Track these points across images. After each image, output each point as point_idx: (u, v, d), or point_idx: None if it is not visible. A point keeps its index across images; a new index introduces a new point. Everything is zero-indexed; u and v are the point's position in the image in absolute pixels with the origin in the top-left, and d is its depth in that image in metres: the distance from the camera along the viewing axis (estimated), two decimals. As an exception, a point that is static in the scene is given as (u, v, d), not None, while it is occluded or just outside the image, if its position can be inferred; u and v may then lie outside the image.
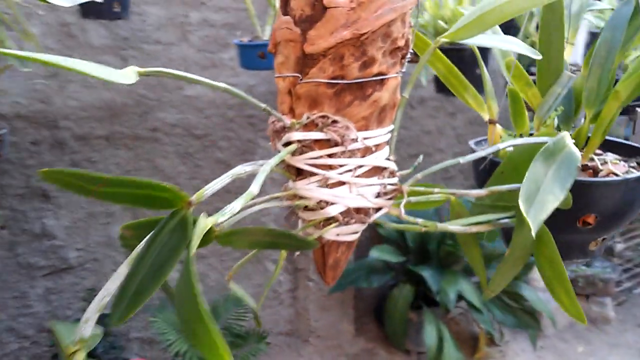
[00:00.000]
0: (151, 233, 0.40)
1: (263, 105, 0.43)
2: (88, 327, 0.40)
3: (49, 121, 1.84)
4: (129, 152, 2.01)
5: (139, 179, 0.40)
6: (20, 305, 1.91)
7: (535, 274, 2.49)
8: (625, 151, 0.73)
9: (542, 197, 0.42)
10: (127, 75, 0.37)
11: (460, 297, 2.15)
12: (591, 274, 2.43)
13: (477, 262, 0.52)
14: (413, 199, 0.48)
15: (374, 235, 2.53)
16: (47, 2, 0.48)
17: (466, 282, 2.17)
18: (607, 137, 0.75)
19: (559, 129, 0.70)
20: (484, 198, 0.51)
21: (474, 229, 0.46)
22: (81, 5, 1.26)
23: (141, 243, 0.41)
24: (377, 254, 2.21)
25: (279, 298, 2.33)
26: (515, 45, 0.48)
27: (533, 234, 0.40)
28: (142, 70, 0.37)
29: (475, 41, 0.46)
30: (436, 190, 0.47)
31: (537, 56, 0.49)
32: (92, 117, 1.91)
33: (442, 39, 0.45)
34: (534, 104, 0.69)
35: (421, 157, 0.48)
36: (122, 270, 0.41)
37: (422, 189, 0.47)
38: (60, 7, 1.78)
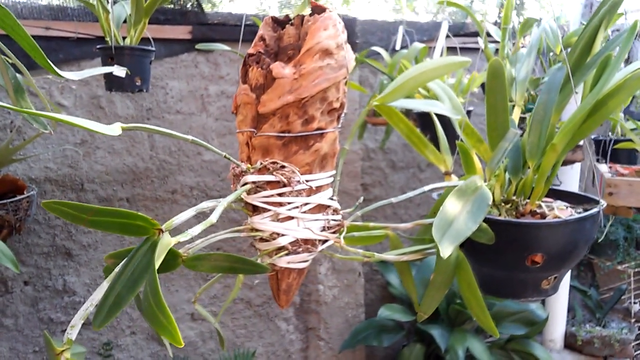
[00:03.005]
0: (128, 255, 0.50)
1: (224, 154, 0.53)
2: (74, 332, 0.49)
3: (76, 184, 1.99)
4: (149, 212, 2.14)
5: (120, 209, 0.50)
6: (40, 359, 1.99)
7: (549, 335, 2.46)
8: (575, 200, 0.80)
9: (455, 228, 0.51)
10: (113, 129, 0.48)
11: (471, 358, 2.14)
12: (607, 335, 2.39)
13: (410, 287, 0.60)
14: (356, 233, 0.57)
15: (385, 294, 2.56)
16: (60, 76, 0.61)
17: (477, 341, 2.17)
18: (558, 188, 0.83)
19: (509, 180, 0.79)
20: (422, 234, 0.59)
21: (405, 257, 0.54)
22: (105, 79, 1.42)
23: (120, 264, 0.50)
24: (387, 312, 2.24)
25: (291, 358, 2.36)
26: (438, 108, 0.58)
27: (444, 257, 0.48)
28: (124, 125, 0.48)
29: (403, 104, 0.56)
30: (372, 225, 0.55)
31: (456, 116, 0.59)
32: (116, 181, 2.06)
33: (374, 102, 0.55)
34: (485, 157, 0.78)
35: (362, 198, 0.57)
36: (104, 285, 0.50)
37: (361, 224, 0.56)
38: (91, 82, 1.98)
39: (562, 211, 0.75)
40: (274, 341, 2.32)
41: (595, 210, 0.71)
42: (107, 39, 1.40)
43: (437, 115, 0.91)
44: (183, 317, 2.18)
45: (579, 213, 0.74)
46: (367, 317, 2.42)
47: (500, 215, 0.74)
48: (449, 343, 2.11)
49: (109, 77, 1.39)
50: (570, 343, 2.49)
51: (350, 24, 2.22)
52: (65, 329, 2.01)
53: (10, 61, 0.80)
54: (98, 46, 1.42)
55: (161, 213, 2.14)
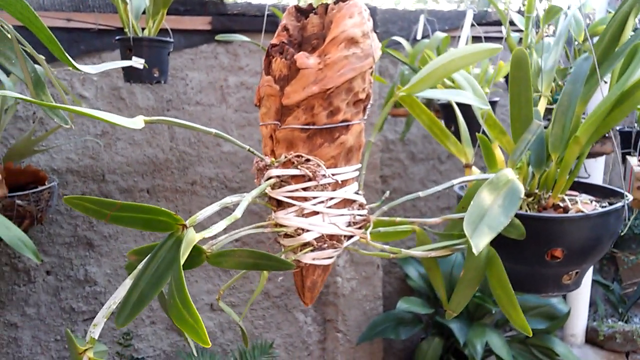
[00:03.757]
0: (152, 252, 0.49)
1: (247, 147, 0.52)
2: (97, 331, 0.48)
3: (97, 175, 2.01)
4: (169, 203, 2.15)
5: (144, 204, 0.49)
6: (62, 348, 2.02)
7: (570, 329, 2.43)
8: (602, 193, 0.78)
9: (486, 222, 0.49)
10: (136, 122, 0.47)
11: (491, 352, 2.12)
12: (629, 330, 2.34)
13: (438, 283, 0.58)
14: (382, 229, 0.55)
15: (403, 287, 2.55)
16: (78, 69, 0.60)
17: (496, 335, 2.14)
18: (585, 181, 0.80)
19: (532, 172, 0.76)
20: (450, 229, 0.57)
21: (433, 253, 0.53)
22: (124, 70, 1.42)
23: (143, 260, 0.49)
24: (405, 305, 2.22)
25: (308, 349, 2.36)
26: (463, 97, 0.56)
27: (475, 253, 0.47)
28: (147, 118, 0.47)
29: (428, 94, 0.54)
30: (398, 220, 0.54)
31: (485, 106, 0.57)
32: (136, 172, 2.07)
33: (400, 92, 0.53)
34: (508, 149, 0.76)
35: (387, 192, 0.56)
36: (127, 282, 0.49)
37: (387, 219, 0.54)
38: (112, 73, 1.98)
39: (585, 205, 0.72)
40: (292, 332, 2.33)
41: (619, 204, 0.68)
42: (126, 30, 1.39)
43: (461, 107, 0.89)
44: (202, 307, 2.19)
45: (603, 207, 0.71)
46: (385, 309, 2.41)
47: (521, 208, 0.72)
48: (468, 337, 2.09)
49: (127, 68, 1.39)
50: (591, 338, 2.45)
51: (370, 13, 2.19)
52: (86, 319, 2.04)
53: (28, 53, 0.80)
54: (116, 37, 1.42)
55: (181, 204, 2.15)
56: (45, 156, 1.93)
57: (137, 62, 1.31)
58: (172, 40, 1.50)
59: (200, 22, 2.02)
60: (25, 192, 1.52)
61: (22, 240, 0.96)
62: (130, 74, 1.41)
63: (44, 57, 1.03)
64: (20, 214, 1.54)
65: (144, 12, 1.48)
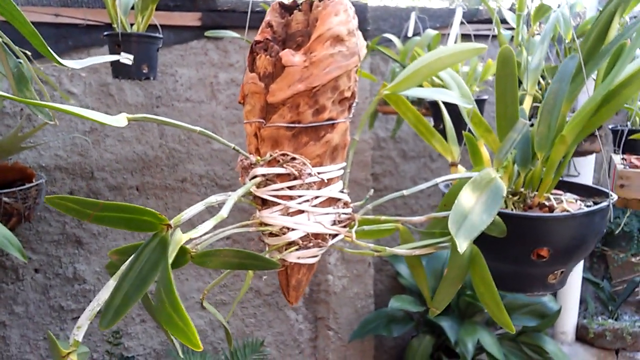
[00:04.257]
0: (135, 252, 0.48)
1: (232, 145, 0.51)
2: (80, 333, 0.47)
3: (86, 172, 1.99)
4: (159, 201, 2.13)
5: (127, 204, 0.48)
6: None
7: (560, 327, 2.44)
8: (587, 192, 0.78)
9: (470, 221, 0.49)
10: (119, 120, 0.46)
11: (482, 350, 2.13)
12: (619, 328, 2.36)
13: (422, 282, 0.58)
14: (366, 227, 0.55)
15: (394, 284, 2.55)
16: (62, 65, 0.59)
17: (487, 333, 2.15)
18: (569, 180, 0.80)
19: (518, 171, 0.76)
20: (433, 227, 0.57)
21: (417, 251, 0.52)
22: (112, 66, 1.41)
23: (127, 261, 0.49)
24: (396, 303, 2.22)
25: (300, 347, 2.36)
26: (447, 96, 0.55)
27: (460, 251, 0.46)
28: (130, 116, 0.46)
29: (412, 93, 0.54)
30: (383, 218, 0.53)
31: (468, 105, 0.57)
32: (126, 169, 2.05)
33: (384, 91, 0.53)
34: (493, 148, 0.76)
35: (372, 190, 0.55)
36: (110, 284, 0.48)
37: (372, 217, 0.54)
38: (101, 69, 1.97)
39: (571, 204, 0.72)
40: (283, 330, 2.32)
41: (604, 204, 0.68)
42: (114, 25, 1.38)
43: (448, 105, 0.89)
44: (193, 305, 2.18)
45: (588, 206, 0.71)
46: (376, 307, 2.41)
47: (507, 207, 0.72)
48: (459, 335, 2.09)
49: (115, 64, 1.38)
50: (582, 335, 2.47)
51: (361, 10, 2.18)
52: (75, 317, 2.02)
53: (13, 48, 0.78)
54: (105, 33, 1.40)
55: (171, 202, 2.14)
56: (33, 153, 1.91)
57: (126, 58, 1.29)
58: (161, 36, 1.49)
59: (190, 18, 2.00)
60: (12, 189, 1.51)
61: (7, 238, 0.95)
62: (118, 70, 1.39)
63: (30, 53, 1.02)
64: (7, 211, 1.53)
65: (132, 8, 1.46)
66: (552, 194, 0.70)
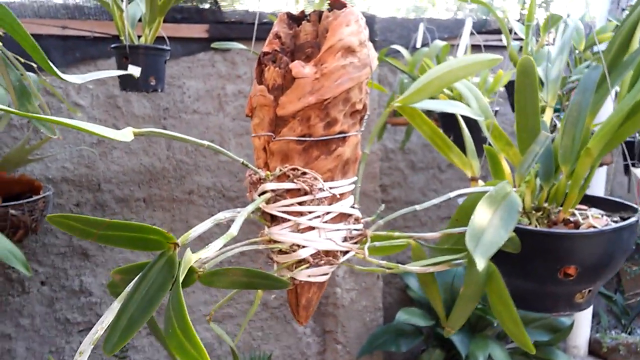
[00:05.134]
0: (141, 272, 0.46)
1: (241, 160, 0.49)
2: (83, 359, 0.45)
3: (92, 184, 1.98)
4: (166, 213, 2.12)
5: (133, 222, 0.46)
6: (57, 359, 1.99)
7: (572, 341, 2.39)
8: (611, 207, 0.75)
9: (487, 237, 0.47)
10: (125, 134, 0.44)
11: (492, 364, 2.09)
12: (633, 342, 2.31)
13: (436, 300, 0.56)
14: (377, 243, 0.53)
15: (403, 297, 2.51)
16: (62, 79, 0.58)
17: (498, 347, 2.11)
18: (593, 194, 0.78)
19: (541, 186, 0.74)
20: (444, 242, 0.55)
21: (431, 269, 0.50)
22: (119, 79, 1.40)
23: (132, 282, 0.47)
24: (405, 316, 2.19)
25: (307, 361, 2.33)
26: (458, 109, 0.53)
27: (480, 269, 0.44)
28: (136, 130, 0.45)
29: (425, 105, 0.52)
30: (396, 234, 0.51)
31: (480, 117, 0.55)
32: (132, 181, 2.05)
33: (395, 103, 0.51)
34: (514, 162, 0.74)
35: (383, 205, 0.53)
36: (115, 306, 0.46)
37: (384, 233, 0.52)
38: (108, 82, 1.97)
39: (597, 220, 0.70)
40: (291, 344, 2.29)
41: (633, 219, 0.66)
42: (122, 38, 1.38)
43: (462, 116, 0.87)
44: (200, 318, 2.16)
45: (616, 222, 0.69)
46: (385, 321, 2.38)
47: (530, 224, 0.69)
48: (470, 349, 2.05)
49: (123, 76, 1.37)
50: (594, 349, 2.42)
51: (369, 21, 2.17)
52: (82, 329, 2.00)
53: (22, 62, 0.77)
54: (112, 45, 1.40)
55: (178, 214, 2.12)
56: (40, 165, 1.91)
57: (135, 70, 1.28)
58: (168, 48, 1.49)
59: (198, 30, 2.00)
60: (19, 201, 1.50)
61: (11, 252, 0.94)
62: (126, 82, 1.39)
63: (35, 66, 1.01)
64: (14, 223, 1.52)
65: (140, 20, 1.46)
66: (577, 209, 0.68)
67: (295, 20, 0.56)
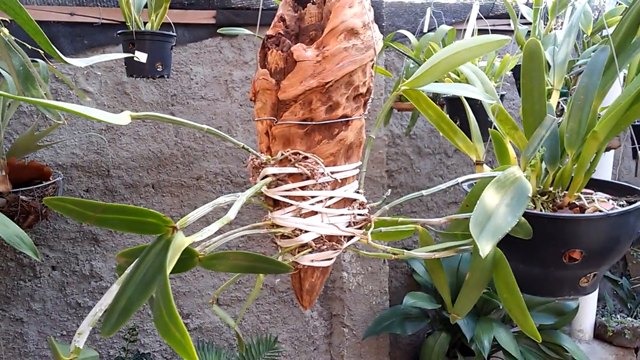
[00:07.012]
0: (140, 256, 0.47)
1: (241, 144, 0.50)
2: (81, 340, 0.46)
3: (102, 170, 2.00)
4: (174, 198, 2.14)
5: (131, 206, 0.47)
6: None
7: (578, 325, 2.40)
8: (617, 191, 0.75)
9: (494, 223, 0.47)
10: (122, 118, 0.45)
11: (498, 347, 2.10)
12: (639, 326, 2.31)
13: (443, 286, 0.56)
14: (383, 229, 0.53)
15: (409, 281, 2.53)
16: (66, 62, 0.58)
17: (504, 330, 2.12)
18: (599, 178, 0.77)
19: (546, 170, 0.74)
20: (454, 228, 0.55)
21: (437, 255, 0.50)
22: (126, 65, 1.41)
23: (130, 265, 0.47)
24: (411, 300, 2.20)
25: (315, 344, 2.35)
26: (467, 91, 0.53)
27: (483, 255, 0.44)
28: (134, 114, 0.45)
29: (431, 88, 0.52)
30: (400, 219, 0.52)
31: (491, 101, 0.54)
32: (141, 167, 2.06)
33: (403, 87, 0.51)
34: (520, 146, 0.73)
35: (389, 191, 0.54)
36: (114, 288, 0.47)
37: (389, 219, 0.52)
38: (116, 68, 1.97)
39: (603, 204, 0.70)
40: (298, 327, 2.32)
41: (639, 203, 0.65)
42: (128, 24, 1.38)
43: (467, 100, 0.86)
44: (208, 302, 2.18)
45: (622, 206, 0.68)
46: (391, 304, 2.39)
47: (535, 208, 0.69)
48: (475, 332, 2.07)
49: (129, 62, 1.38)
50: (600, 333, 2.42)
51: (376, 6, 2.16)
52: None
53: (29, 48, 0.78)
54: (119, 31, 1.40)
55: (186, 199, 2.14)
56: (50, 151, 1.92)
57: (141, 55, 1.29)
58: (174, 34, 1.49)
59: (204, 16, 2.00)
60: (29, 187, 1.52)
61: (20, 237, 0.95)
62: (132, 68, 1.39)
63: (43, 52, 1.02)
64: (24, 209, 1.54)
65: (146, 6, 1.46)
66: (582, 193, 0.68)
67: (300, 2, 0.55)
